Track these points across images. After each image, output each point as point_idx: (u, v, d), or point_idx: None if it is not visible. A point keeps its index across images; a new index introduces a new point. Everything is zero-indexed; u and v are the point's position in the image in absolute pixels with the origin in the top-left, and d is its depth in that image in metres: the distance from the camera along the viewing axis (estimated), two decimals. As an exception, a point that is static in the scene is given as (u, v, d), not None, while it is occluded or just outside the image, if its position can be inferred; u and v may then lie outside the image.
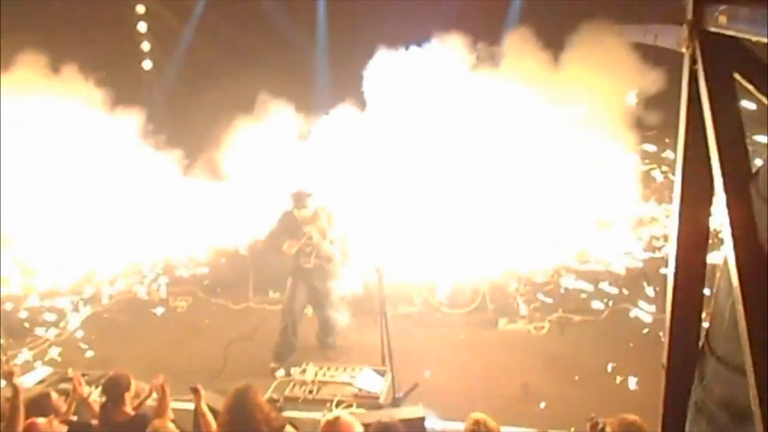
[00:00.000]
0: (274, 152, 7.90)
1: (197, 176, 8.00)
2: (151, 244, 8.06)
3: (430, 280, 8.47)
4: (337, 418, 4.85)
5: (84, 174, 7.08)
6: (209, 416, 5.39)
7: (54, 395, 5.49)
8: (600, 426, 4.70)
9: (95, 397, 6.01)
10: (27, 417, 4.77)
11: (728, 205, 2.10)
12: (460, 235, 6.79)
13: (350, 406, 6.60)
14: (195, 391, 5.51)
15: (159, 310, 9.34)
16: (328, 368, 7.33)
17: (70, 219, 7.25)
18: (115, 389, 5.54)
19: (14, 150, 6.75)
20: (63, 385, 6.51)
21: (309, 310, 8.23)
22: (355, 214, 7.38)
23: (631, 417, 4.45)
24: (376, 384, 6.96)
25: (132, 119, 7.38)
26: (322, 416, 6.01)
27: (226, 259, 8.28)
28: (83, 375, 6.38)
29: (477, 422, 4.70)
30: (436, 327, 8.49)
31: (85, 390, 5.79)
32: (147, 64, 9.24)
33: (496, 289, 8.67)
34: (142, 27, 9.04)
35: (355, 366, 7.29)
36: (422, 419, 5.62)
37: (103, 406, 5.53)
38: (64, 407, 5.43)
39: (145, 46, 9.18)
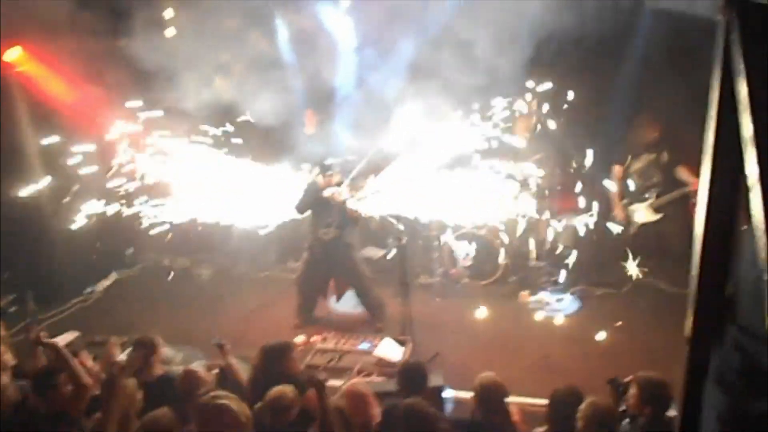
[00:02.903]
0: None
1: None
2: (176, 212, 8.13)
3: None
4: (354, 386, 4.96)
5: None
6: (238, 367, 5.44)
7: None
8: (621, 387, 4.66)
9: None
10: None
11: (761, 179, 2.07)
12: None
13: (370, 374, 6.65)
14: (221, 346, 5.57)
15: (181, 277, 9.45)
16: (349, 337, 7.39)
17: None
18: (141, 350, 5.59)
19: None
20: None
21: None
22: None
23: (658, 375, 4.40)
24: (396, 353, 7.00)
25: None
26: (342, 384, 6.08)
27: (249, 228, 8.27)
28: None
29: (482, 385, 4.71)
30: (457, 298, 8.48)
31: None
32: (170, 32, 9.15)
33: (518, 260, 8.64)
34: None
35: (376, 335, 7.34)
36: (441, 388, 5.63)
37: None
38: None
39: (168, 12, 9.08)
